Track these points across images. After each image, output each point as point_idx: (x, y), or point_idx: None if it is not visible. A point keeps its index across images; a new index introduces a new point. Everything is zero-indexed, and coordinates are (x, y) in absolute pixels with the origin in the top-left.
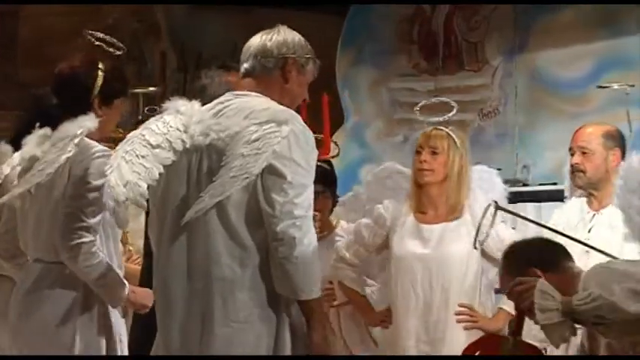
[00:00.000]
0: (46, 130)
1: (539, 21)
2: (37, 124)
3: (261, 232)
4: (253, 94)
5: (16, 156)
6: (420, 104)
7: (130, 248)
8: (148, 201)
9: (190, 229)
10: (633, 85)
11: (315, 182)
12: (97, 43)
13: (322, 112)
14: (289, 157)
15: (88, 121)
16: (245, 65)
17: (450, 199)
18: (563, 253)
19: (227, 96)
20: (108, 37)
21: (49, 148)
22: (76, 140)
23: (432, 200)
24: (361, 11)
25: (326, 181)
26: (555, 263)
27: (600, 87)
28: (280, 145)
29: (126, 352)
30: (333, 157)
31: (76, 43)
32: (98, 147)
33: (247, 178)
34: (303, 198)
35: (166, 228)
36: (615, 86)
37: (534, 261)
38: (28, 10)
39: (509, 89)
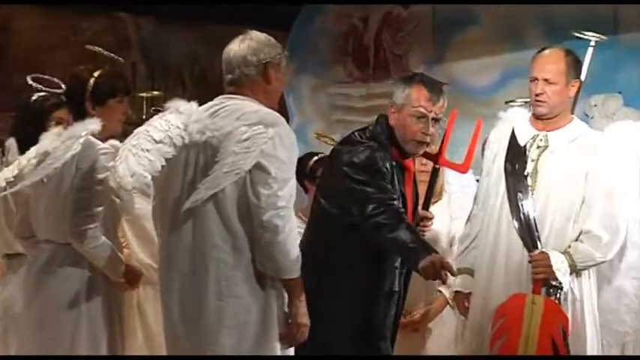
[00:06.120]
0: (60, 129)
1: (454, 37)
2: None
3: (249, 220)
4: (242, 97)
5: (33, 150)
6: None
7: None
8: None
9: (190, 216)
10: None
11: None
12: (99, 51)
13: (474, 134)
14: (274, 155)
15: (92, 124)
16: (230, 76)
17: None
18: None
19: (220, 99)
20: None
21: (59, 145)
22: (81, 140)
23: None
24: (303, 28)
25: None
26: None
27: (507, 102)
28: (267, 145)
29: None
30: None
31: (62, 53)
32: (102, 145)
33: (238, 173)
34: (285, 191)
35: (168, 214)
36: (519, 102)
37: None
38: (17, 24)
39: None
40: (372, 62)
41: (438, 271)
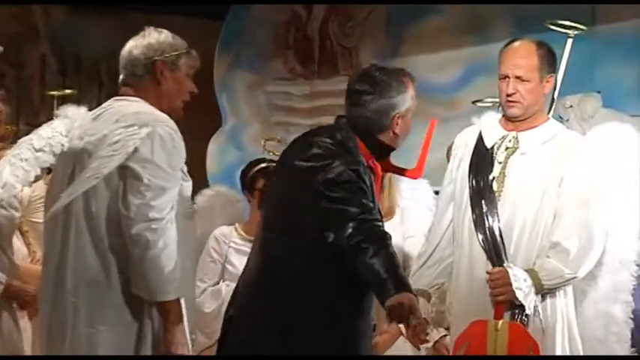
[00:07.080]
0: None
1: (411, 28)
2: None
3: (122, 236)
4: (131, 98)
5: None
6: None
7: (35, 250)
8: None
9: (63, 230)
10: None
11: None
12: None
13: (427, 135)
14: (150, 159)
15: None
16: (121, 75)
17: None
18: None
19: (109, 101)
20: None
21: None
22: None
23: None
24: (238, 16)
25: None
26: None
27: (475, 102)
28: (140, 147)
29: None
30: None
31: None
32: None
33: (97, 177)
34: (160, 201)
35: (48, 226)
36: (489, 102)
37: None
38: None
39: None
40: (316, 56)
41: (406, 314)
